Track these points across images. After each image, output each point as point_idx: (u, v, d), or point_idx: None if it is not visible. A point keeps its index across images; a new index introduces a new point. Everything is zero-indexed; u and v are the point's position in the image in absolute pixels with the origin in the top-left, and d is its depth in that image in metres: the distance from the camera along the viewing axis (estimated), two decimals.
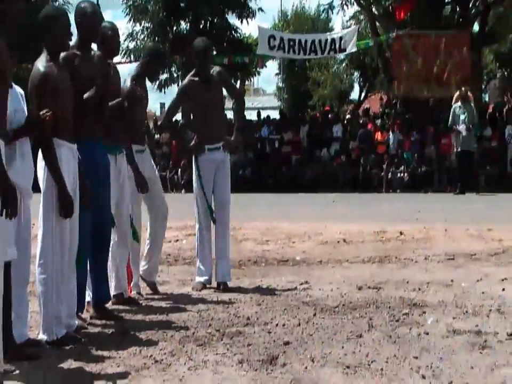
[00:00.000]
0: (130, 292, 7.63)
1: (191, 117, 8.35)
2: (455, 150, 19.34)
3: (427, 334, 5.90)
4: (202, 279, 8.09)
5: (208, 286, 8.06)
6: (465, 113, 18.82)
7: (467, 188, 18.77)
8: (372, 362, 5.17)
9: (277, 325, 6.23)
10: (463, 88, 20.49)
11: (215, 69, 8.16)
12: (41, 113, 5.34)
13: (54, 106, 5.50)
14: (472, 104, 19.92)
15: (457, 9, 24.81)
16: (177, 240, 10.91)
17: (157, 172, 8.13)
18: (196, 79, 8.05)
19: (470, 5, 24.99)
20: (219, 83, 8.13)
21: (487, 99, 41.12)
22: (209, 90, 7.98)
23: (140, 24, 27.15)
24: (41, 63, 5.77)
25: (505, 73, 48.22)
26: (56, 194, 5.72)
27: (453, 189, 19.43)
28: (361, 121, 25.25)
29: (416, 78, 23.63)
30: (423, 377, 4.85)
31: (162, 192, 8.02)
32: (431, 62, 23.53)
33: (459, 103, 19.23)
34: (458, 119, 18.88)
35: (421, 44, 23.77)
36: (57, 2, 29.17)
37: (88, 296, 6.76)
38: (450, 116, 19.34)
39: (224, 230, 8.15)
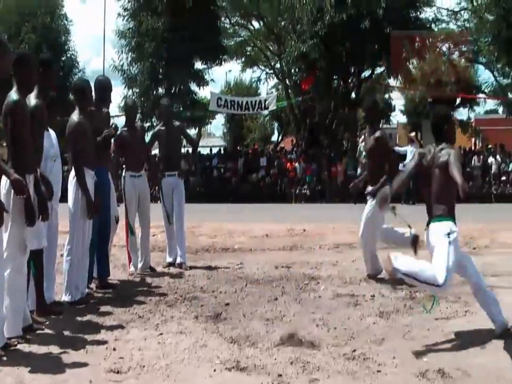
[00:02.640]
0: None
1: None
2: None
3: (320, 297, 6.03)
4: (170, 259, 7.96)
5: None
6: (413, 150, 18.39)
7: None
8: (284, 316, 5.27)
9: (220, 292, 6.28)
10: (409, 135, 22.81)
11: (176, 123, 7.97)
12: None
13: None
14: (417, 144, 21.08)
15: (341, 82, 25.28)
16: (154, 235, 10.79)
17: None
18: (163, 128, 7.85)
19: (349, 80, 25.58)
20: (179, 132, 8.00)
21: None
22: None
23: (132, 89, 26.79)
24: (75, 116, 5.81)
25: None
26: (83, 203, 5.74)
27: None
28: (278, 156, 25.41)
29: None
30: (317, 325, 4.98)
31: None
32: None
33: (409, 145, 19.16)
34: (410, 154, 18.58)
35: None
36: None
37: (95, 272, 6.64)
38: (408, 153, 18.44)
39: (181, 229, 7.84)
